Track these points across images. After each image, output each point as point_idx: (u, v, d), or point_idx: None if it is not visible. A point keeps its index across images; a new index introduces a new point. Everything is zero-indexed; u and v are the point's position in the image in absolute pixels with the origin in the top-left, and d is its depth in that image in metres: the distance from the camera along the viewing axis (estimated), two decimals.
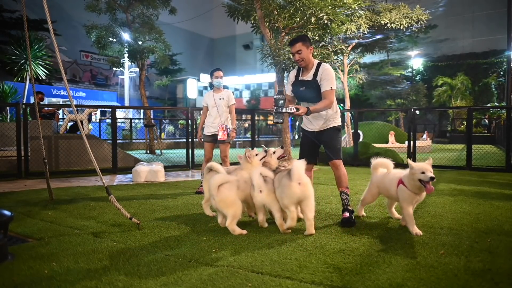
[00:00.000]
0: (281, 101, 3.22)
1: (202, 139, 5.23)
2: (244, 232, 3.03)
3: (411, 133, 8.45)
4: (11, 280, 2.15)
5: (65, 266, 2.36)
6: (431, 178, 2.83)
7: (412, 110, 8.72)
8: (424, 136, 17.89)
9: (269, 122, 26.88)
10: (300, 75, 3.54)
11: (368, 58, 19.59)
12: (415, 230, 2.96)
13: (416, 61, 27.78)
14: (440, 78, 25.59)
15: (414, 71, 28.80)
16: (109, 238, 2.98)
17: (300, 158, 3.46)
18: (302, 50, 3.38)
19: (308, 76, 3.45)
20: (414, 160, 8.23)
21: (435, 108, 25.72)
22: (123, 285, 2.07)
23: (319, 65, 3.44)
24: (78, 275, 2.22)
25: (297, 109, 3.21)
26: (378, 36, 12.49)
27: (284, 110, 3.17)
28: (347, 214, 3.33)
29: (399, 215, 3.45)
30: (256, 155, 3.41)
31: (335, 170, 3.54)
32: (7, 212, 2.57)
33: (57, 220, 3.57)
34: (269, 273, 2.20)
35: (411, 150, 8.27)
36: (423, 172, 2.88)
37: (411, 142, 8.30)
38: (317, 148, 3.65)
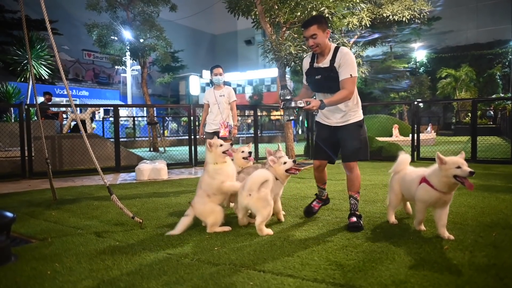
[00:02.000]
0: (288, 96, 2.87)
1: (204, 136, 5.22)
2: (271, 232, 2.92)
3: (415, 126, 8.38)
4: (14, 281, 2.16)
5: (67, 267, 2.37)
6: (471, 173, 2.47)
7: (416, 103, 8.64)
8: (429, 128, 17.77)
9: (272, 117, 26.80)
10: (315, 61, 3.10)
11: (370, 51, 19.45)
12: (420, 226, 2.91)
13: (419, 53, 27.56)
14: (444, 69, 25.34)
15: (417, 63, 28.57)
16: (111, 238, 2.98)
17: (315, 157, 3.29)
18: (318, 34, 2.92)
19: (325, 63, 3.00)
20: (418, 154, 8.17)
21: (439, 100, 25.57)
22: (125, 285, 2.07)
23: (336, 49, 2.98)
24: (81, 275, 2.23)
25: (308, 103, 2.81)
26: (377, 36, 12.37)
27: (293, 104, 2.79)
28: (354, 219, 3.04)
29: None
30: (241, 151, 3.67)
31: (348, 171, 3.17)
32: (9, 214, 2.57)
33: (60, 220, 3.58)
34: (271, 271, 2.19)
35: (415, 143, 8.21)
36: (458, 167, 2.51)
37: (415, 135, 8.23)
38: (336, 145, 3.20)
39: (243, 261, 2.36)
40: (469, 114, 18.83)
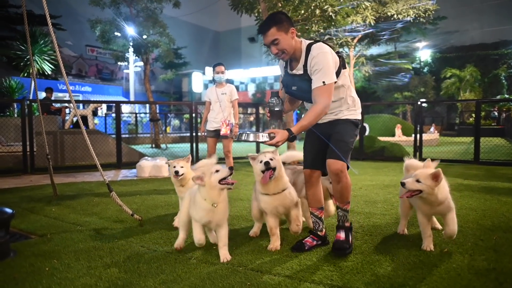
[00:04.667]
0: (277, 107, 2.42)
1: (205, 134, 5.21)
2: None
3: (418, 126, 8.34)
4: (12, 277, 2.17)
5: (66, 263, 2.37)
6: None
7: (419, 102, 8.59)
8: (432, 129, 17.69)
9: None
10: (289, 67, 2.52)
11: (374, 50, 19.37)
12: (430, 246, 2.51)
13: (424, 52, 27.40)
14: (448, 69, 25.19)
15: (422, 63, 28.42)
16: (110, 235, 2.98)
17: (305, 165, 2.61)
18: (279, 38, 2.31)
19: (298, 68, 2.42)
20: (420, 154, 8.14)
21: (443, 101, 25.43)
22: (123, 283, 2.07)
23: (309, 49, 2.35)
24: (79, 272, 2.23)
25: (273, 135, 2.19)
26: (383, 33, 12.30)
27: (252, 137, 2.26)
28: (341, 235, 2.45)
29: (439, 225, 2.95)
30: None
31: (334, 178, 2.42)
32: (8, 210, 2.58)
33: (60, 216, 3.59)
34: (269, 272, 2.18)
35: (418, 144, 8.18)
36: None
37: (418, 135, 8.20)
38: (327, 149, 2.47)
39: (241, 261, 2.35)
40: (473, 115, 18.75)
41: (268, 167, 2.40)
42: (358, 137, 2.64)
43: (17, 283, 2.09)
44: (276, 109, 2.43)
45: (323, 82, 2.27)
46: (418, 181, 2.31)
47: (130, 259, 2.43)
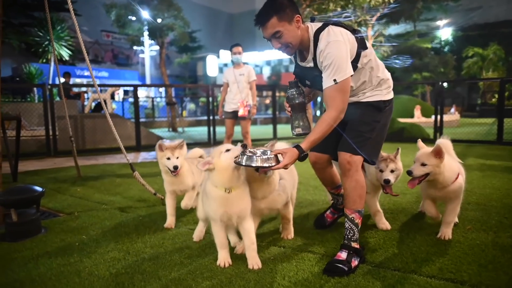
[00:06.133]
0: (297, 99, 2.12)
1: (223, 116, 5.23)
2: None
3: (439, 107, 8.14)
4: (45, 251, 2.27)
5: (94, 239, 2.46)
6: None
7: (440, 83, 8.36)
8: (452, 110, 17.25)
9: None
10: (298, 57, 2.15)
11: (393, 30, 18.81)
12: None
13: (445, 31, 26.45)
14: (470, 48, 24.29)
15: (442, 42, 27.47)
16: (135, 213, 3.07)
17: (311, 149, 2.08)
18: (282, 30, 1.93)
19: (308, 61, 2.06)
20: (441, 135, 7.96)
21: (465, 80, 24.54)
22: (149, 257, 2.14)
23: (317, 37, 1.96)
24: (107, 247, 2.31)
25: (277, 160, 1.82)
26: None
27: (254, 163, 1.78)
28: (342, 255, 1.93)
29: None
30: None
31: (341, 173, 2.07)
32: (38, 188, 2.68)
33: (86, 196, 3.71)
34: (291, 247, 2.21)
35: (438, 125, 8.00)
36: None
37: (438, 116, 8.01)
38: (340, 134, 2.09)
39: (263, 238, 2.39)
40: (496, 95, 18.12)
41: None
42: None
43: (50, 256, 2.19)
44: (297, 101, 2.12)
45: (334, 80, 1.87)
46: (423, 164, 2.17)
47: (155, 235, 2.50)
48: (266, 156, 1.80)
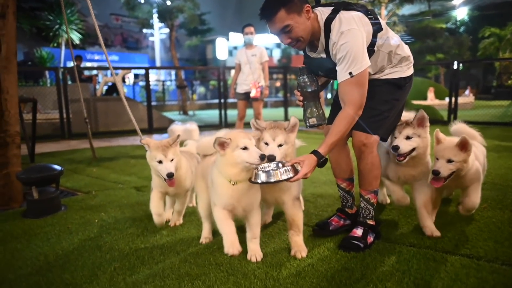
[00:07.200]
0: (309, 89, 1.95)
1: (235, 98, 5.22)
2: None
3: (453, 88, 7.97)
4: (66, 227, 2.34)
5: (113, 216, 2.53)
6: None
7: (456, 63, 8.16)
8: (467, 92, 16.88)
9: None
10: (307, 49, 2.01)
11: (406, 9, 18.28)
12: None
13: (460, 11, 25.60)
14: (487, 28, 23.51)
15: (458, 22, 26.66)
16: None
17: (328, 121, 2.04)
18: (292, 24, 1.77)
19: (319, 51, 1.93)
20: (455, 118, 7.83)
21: (481, 60, 23.81)
22: (167, 233, 2.20)
23: (328, 26, 1.81)
24: (126, 223, 2.38)
25: (297, 168, 1.69)
26: None
27: (273, 179, 1.64)
28: (358, 231, 1.94)
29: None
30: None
31: (356, 154, 1.97)
32: (57, 167, 2.74)
33: (102, 176, 3.78)
34: (306, 224, 2.24)
35: (452, 107, 7.86)
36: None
37: (453, 98, 7.85)
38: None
39: (276, 224, 2.42)
40: None
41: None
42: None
43: (71, 232, 2.26)
44: (309, 90, 1.94)
45: (350, 73, 1.74)
46: (450, 161, 1.88)
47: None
48: (283, 169, 1.66)
